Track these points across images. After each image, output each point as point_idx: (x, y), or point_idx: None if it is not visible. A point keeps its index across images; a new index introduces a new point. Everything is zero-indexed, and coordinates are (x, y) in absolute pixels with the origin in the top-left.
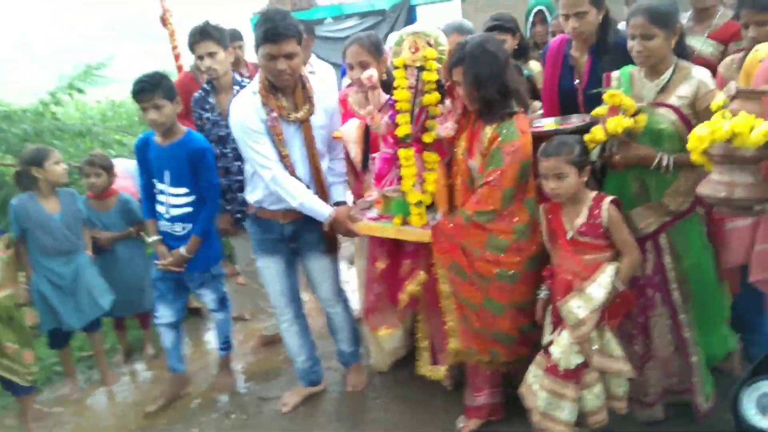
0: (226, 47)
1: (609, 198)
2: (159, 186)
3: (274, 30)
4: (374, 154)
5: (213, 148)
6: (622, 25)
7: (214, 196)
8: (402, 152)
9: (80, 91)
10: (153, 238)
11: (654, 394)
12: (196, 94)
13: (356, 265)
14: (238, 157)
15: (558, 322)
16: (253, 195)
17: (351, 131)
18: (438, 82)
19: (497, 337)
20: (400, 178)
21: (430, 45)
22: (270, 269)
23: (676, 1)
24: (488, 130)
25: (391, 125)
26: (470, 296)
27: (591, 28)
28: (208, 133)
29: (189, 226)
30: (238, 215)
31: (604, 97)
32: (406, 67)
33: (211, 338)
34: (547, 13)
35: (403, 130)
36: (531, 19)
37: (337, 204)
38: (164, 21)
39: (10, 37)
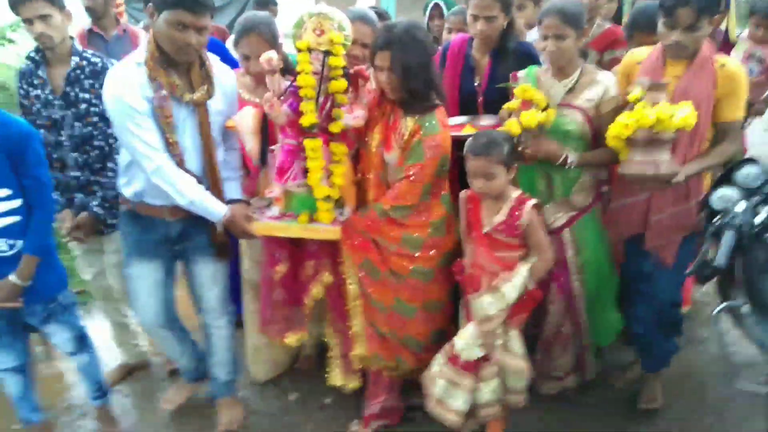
0: (63, 8)
1: (532, 201)
2: None
3: None
4: (272, 147)
5: (41, 135)
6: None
7: (45, 199)
8: (308, 143)
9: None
10: None
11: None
12: (21, 66)
13: (244, 269)
14: (76, 147)
15: (470, 316)
16: (131, 187)
17: (246, 121)
18: (344, 68)
19: (406, 341)
20: (304, 172)
21: (334, 28)
22: (145, 279)
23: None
24: (410, 122)
25: (292, 114)
26: (381, 297)
27: (496, 33)
28: (36, 116)
29: (19, 242)
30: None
31: (516, 91)
32: (310, 50)
33: None
34: (444, 8)
35: (309, 119)
36: (427, 12)
37: (232, 202)
38: None
39: None
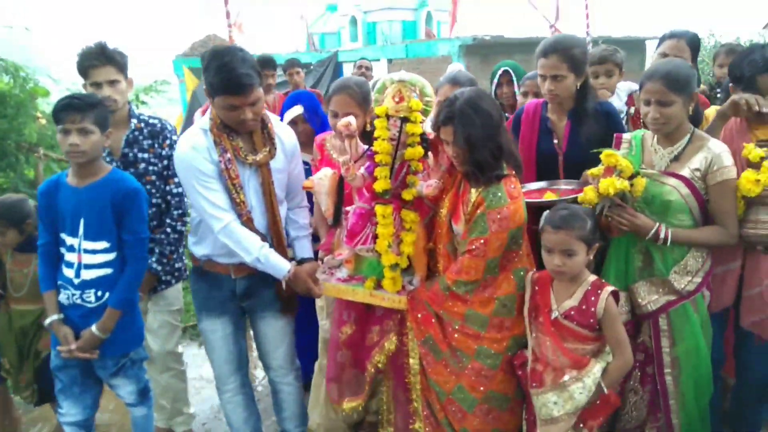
0: (127, 75)
1: (610, 288)
2: (69, 240)
3: (237, 81)
4: (348, 208)
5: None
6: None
7: (140, 255)
8: (379, 209)
9: (143, 103)
10: (52, 318)
11: None
12: None
13: (320, 325)
14: None
15: (533, 419)
16: (200, 246)
17: (323, 182)
18: (422, 135)
19: None
20: (375, 237)
21: (415, 95)
22: (216, 333)
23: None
24: (474, 194)
25: (368, 178)
26: (441, 380)
27: (567, 93)
28: None
29: (105, 294)
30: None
31: (601, 156)
32: (388, 116)
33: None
34: (513, 75)
35: (382, 184)
36: (496, 80)
37: (302, 261)
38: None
39: None
